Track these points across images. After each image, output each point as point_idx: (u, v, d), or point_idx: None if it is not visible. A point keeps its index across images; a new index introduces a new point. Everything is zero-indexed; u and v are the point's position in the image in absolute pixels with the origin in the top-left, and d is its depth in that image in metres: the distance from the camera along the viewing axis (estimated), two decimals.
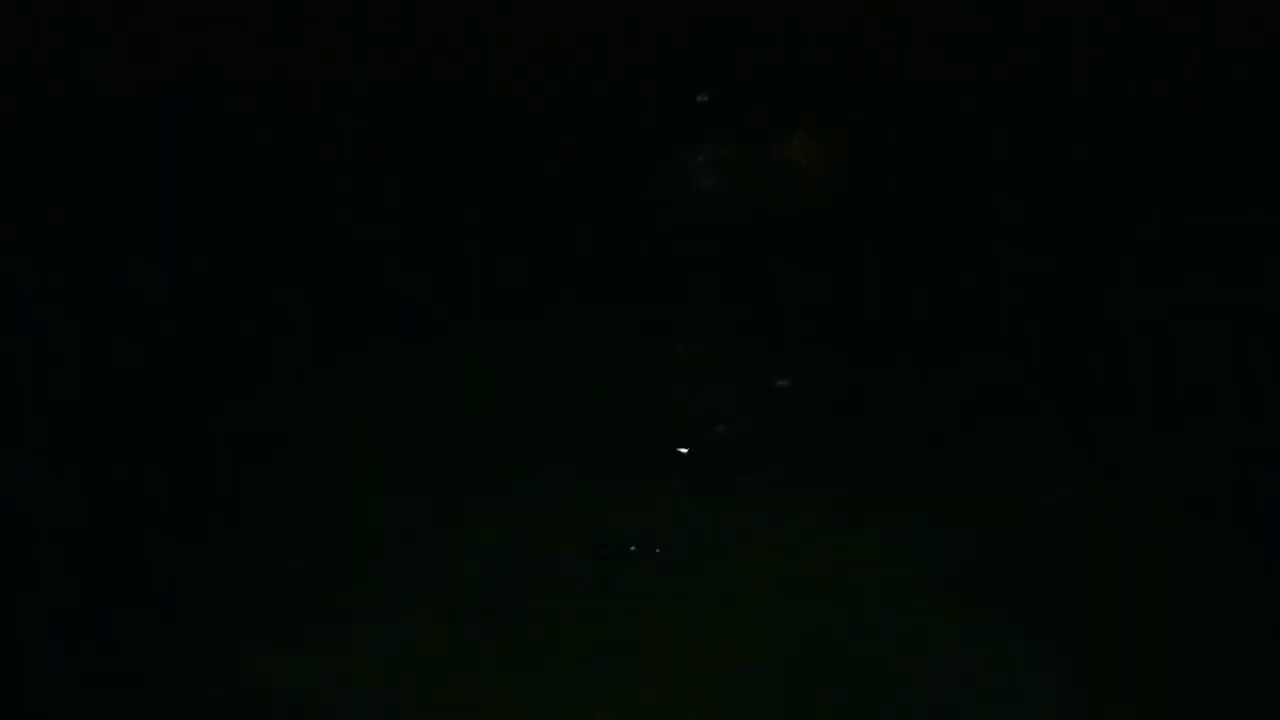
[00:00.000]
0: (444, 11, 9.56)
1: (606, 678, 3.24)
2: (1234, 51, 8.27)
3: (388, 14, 9.58)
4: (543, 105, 8.60)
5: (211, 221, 6.73)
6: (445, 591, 3.56)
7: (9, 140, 7.37)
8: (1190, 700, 3.16)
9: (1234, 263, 5.92)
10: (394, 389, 4.87)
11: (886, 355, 5.16)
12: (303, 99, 8.62)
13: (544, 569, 3.64)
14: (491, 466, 3.98)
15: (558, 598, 3.53)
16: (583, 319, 5.43)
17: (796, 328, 5.46)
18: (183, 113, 8.15)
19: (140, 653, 3.32)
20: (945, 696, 3.15)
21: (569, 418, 4.47)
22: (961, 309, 5.66)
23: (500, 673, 3.24)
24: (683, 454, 4.19)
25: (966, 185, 7.28)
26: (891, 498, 4.00)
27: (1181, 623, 3.45)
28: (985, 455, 4.30)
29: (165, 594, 3.58)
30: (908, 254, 6.33)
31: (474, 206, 7.04)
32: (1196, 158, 7.19)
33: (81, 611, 3.50)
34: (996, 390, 4.80)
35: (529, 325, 5.36)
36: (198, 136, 7.87)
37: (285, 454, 4.36)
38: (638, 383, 4.81)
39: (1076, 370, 4.99)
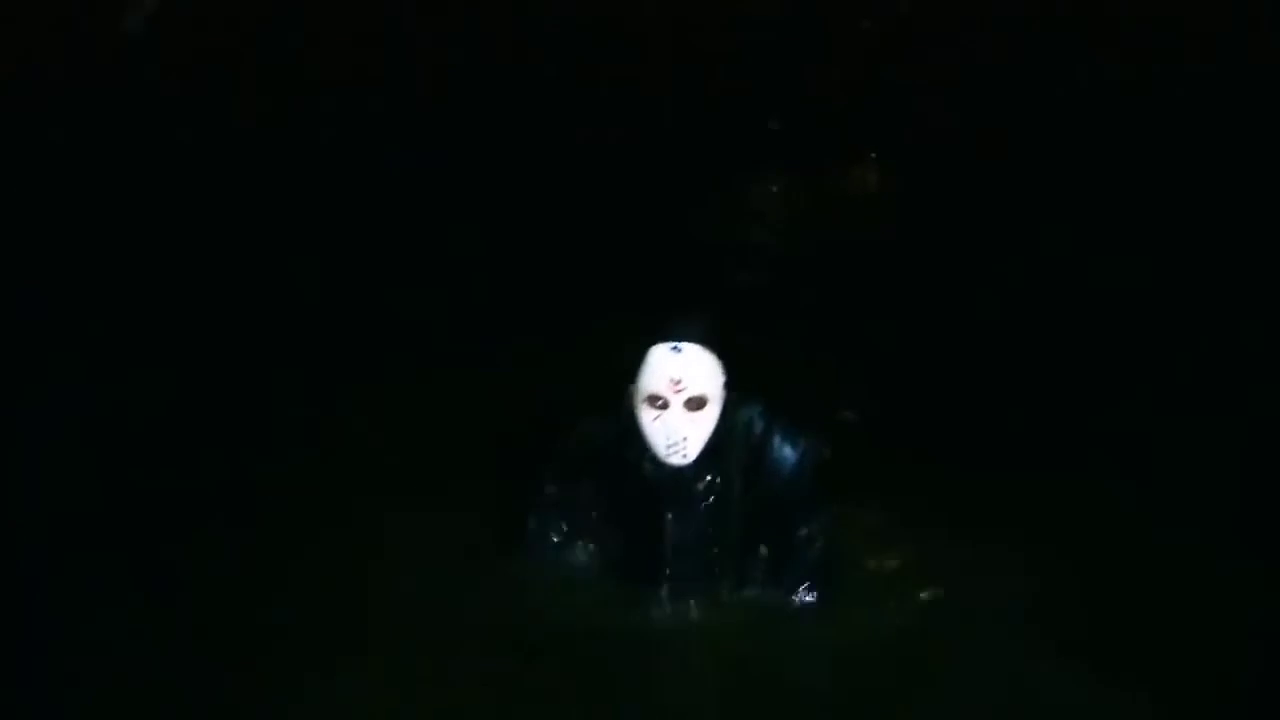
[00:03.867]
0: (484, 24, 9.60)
1: (617, 684, 3.18)
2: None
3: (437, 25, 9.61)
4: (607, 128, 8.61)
5: (212, 226, 6.75)
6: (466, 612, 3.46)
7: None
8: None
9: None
10: (412, 405, 4.76)
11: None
12: (307, 103, 8.70)
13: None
14: (505, 483, 3.87)
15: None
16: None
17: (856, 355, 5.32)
18: (184, 114, 8.24)
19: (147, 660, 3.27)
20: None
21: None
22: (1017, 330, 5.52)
23: (515, 689, 3.17)
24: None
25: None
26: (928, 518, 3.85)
27: (1184, 627, 3.37)
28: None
29: (175, 604, 3.53)
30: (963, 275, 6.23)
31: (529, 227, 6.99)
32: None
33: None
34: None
35: (565, 350, 5.21)
36: (199, 139, 7.93)
37: (298, 466, 4.30)
38: None
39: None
